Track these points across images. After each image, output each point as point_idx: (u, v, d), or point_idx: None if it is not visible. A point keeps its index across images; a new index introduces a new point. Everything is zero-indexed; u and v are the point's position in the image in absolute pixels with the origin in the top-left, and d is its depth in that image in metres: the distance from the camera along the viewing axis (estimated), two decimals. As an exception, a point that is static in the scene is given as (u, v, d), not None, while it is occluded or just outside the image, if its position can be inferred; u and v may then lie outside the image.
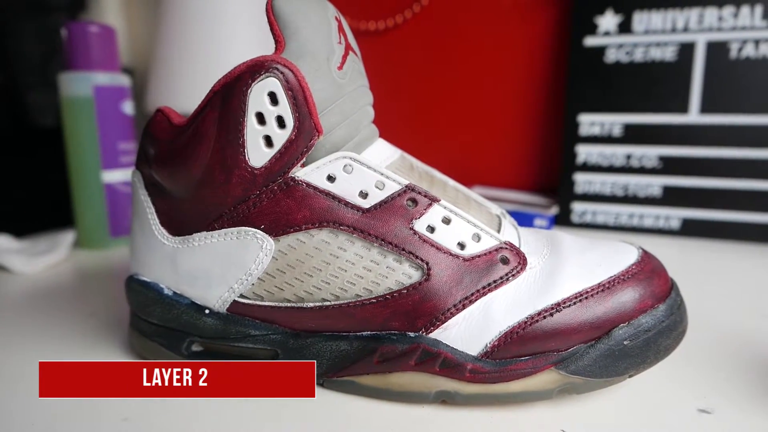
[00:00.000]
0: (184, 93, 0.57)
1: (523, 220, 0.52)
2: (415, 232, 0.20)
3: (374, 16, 0.66)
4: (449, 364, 0.20)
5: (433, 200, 0.21)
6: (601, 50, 0.53)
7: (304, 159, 0.20)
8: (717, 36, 0.48)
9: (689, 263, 0.42)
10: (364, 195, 0.20)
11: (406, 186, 0.20)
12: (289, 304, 0.21)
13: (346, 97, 0.21)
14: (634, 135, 0.52)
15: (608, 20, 0.52)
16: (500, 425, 0.20)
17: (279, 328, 0.22)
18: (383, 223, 0.20)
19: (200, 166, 0.21)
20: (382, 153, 0.22)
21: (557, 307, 0.20)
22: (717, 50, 0.48)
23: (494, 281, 0.20)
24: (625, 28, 0.52)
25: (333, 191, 0.20)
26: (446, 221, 0.21)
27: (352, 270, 0.20)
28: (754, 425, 0.20)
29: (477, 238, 0.21)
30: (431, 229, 0.20)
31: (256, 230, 0.21)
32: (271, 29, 0.20)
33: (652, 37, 0.51)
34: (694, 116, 0.50)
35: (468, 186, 0.66)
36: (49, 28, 0.62)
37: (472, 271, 0.20)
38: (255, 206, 0.20)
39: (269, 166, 0.20)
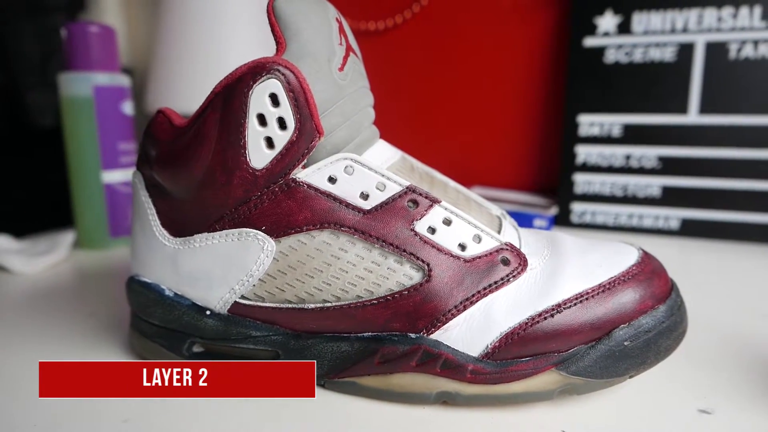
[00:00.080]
0: (184, 93, 0.57)
1: (523, 220, 0.52)
2: (416, 234, 0.20)
3: (374, 17, 0.67)
4: (450, 365, 0.20)
5: (434, 201, 0.21)
6: (600, 51, 0.53)
7: (305, 160, 0.20)
8: (716, 36, 0.48)
9: (688, 263, 0.42)
10: (365, 196, 0.20)
11: (407, 187, 0.20)
12: (290, 305, 0.21)
13: (347, 98, 0.21)
14: (633, 135, 0.52)
15: (607, 21, 0.52)
16: (501, 426, 0.20)
17: (280, 329, 0.22)
18: (384, 224, 0.20)
19: (201, 168, 0.21)
20: (383, 154, 0.22)
21: (558, 308, 0.20)
22: (716, 51, 0.48)
23: (495, 282, 0.20)
24: (624, 28, 0.52)
25: (334, 192, 0.20)
26: (447, 222, 0.21)
27: (353, 271, 0.20)
28: (754, 425, 0.20)
29: (478, 239, 0.21)
30: (432, 231, 0.21)
31: (257, 231, 0.21)
32: (272, 30, 0.20)
33: (651, 37, 0.51)
34: (693, 117, 0.50)
35: (467, 186, 0.66)
36: (49, 29, 0.62)
37: (473, 272, 0.20)
38: (256, 207, 0.20)
39: (270, 168, 0.20)
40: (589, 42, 0.53)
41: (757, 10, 0.47)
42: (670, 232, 0.52)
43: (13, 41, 0.59)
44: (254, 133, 0.20)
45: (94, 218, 0.46)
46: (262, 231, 0.21)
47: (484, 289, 0.20)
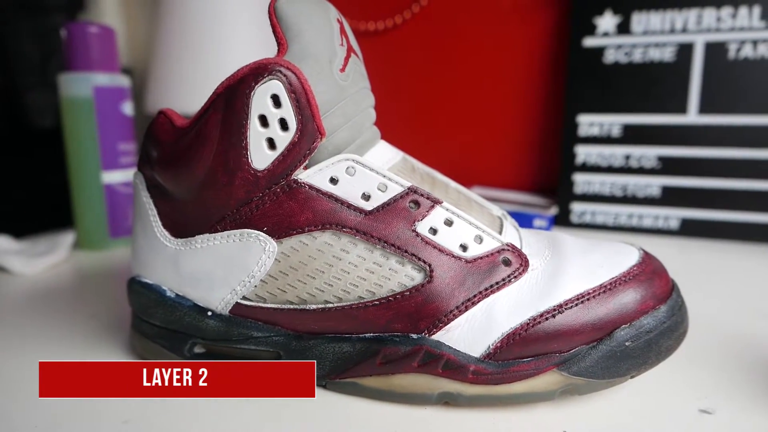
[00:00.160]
0: (184, 93, 0.57)
1: (523, 220, 0.52)
2: (418, 234, 0.20)
3: (373, 17, 0.67)
4: (452, 365, 0.20)
5: (436, 202, 0.21)
6: (600, 51, 0.53)
7: (306, 161, 0.20)
8: (715, 36, 0.48)
9: (688, 263, 0.42)
10: (366, 197, 0.20)
11: (409, 188, 0.20)
12: (291, 306, 0.21)
13: (348, 99, 0.21)
14: (633, 135, 0.52)
15: (607, 21, 0.52)
16: (503, 426, 0.20)
17: (282, 330, 0.22)
18: (386, 225, 0.20)
19: (203, 168, 0.21)
20: (385, 155, 0.22)
21: (559, 308, 0.20)
22: (715, 51, 0.48)
23: (496, 283, 0.20)
24: (623, 28, 0.52)
25: (336, 193, 0.20)
26: (448, 223, 0.21)
27: (355, 272, 0.20)
28: (755, 425, 0.20)
29: (479, 239, 0.21)
30: (434, 231, 0.21)
31: (258, 232, 0.21)
32: (274, 31, 0.20)
33: (650, 37, 0.51)
34: (692, 116, 0.50)
35: (467, 186, 0.66)
36: (48, 29, 0.62)
37: (475, 273, 0.20)
38: (258, 208, 0.20)
39: (272, 169, 0.20)
40: (589, 42, 0.53)
41: (756, 10, 0.47)
42: (669, 231, 0.52)
43: (13, 41, 0.59)
44: (256, 134, 0.20)
45: (94, 219, 0.46)
46: (264, 232, 0.21)
47: (486, 289, 0.20)
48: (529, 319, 0.20)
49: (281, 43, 0.20)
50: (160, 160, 0.22)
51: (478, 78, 0.64)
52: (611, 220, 0.54)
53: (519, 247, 0.22)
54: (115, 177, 0.46)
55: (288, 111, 0.19)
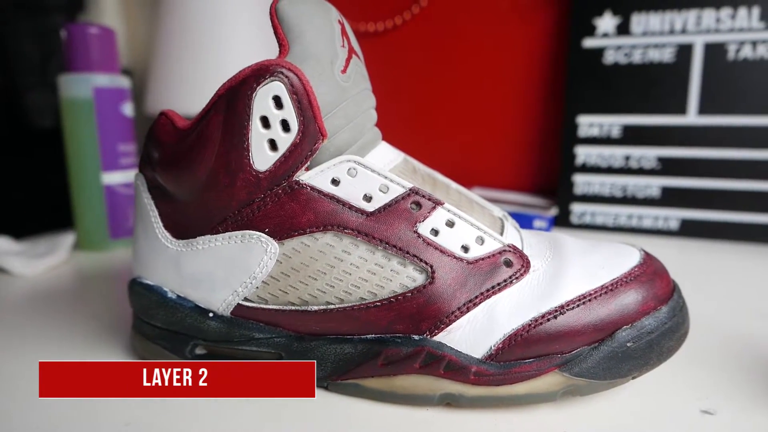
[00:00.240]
0: (184, 94, 0.57)
1: (523, 221, 0.52)
2: (419, 236, 0.20)
3: (373, 18, 0.67)
4: (454, 366, 0.20)
5: (437, 203, 0.21)
6: (599, 52, 0.53)
7: (308, 162, 0.20)
8: (715, 37, 0.49)
9: (688, 264, 0.42)
10: (368, 198, 0.20)
11: (410, 189, 0.20)
12: (293, 308, 0.21)
13: (349, 100, 0.21)
14: (632, 136, 0.52)
15: (607, 22, 0.52)
16: (504, 427, 0.20)
17: (283, 332, 0.22)
18: (387, 226, 0.20)
19: (205, 170, 0.21)
20: (386, 156, 0.22)
21: (561, 309, 0.20)
22: (715, 51, 0.49)
23: (498, 284, 0.20)
24: (623, 29, 0.52)
25: (337, 195, 0.20)
26: (450, 224, 0.21)
27: (357, 273, 0.20)
28: (756, 425, 0.20)
29: (480, 241, 0.21)
30: (435, 232, 0.21)
31: (260, 234, 0.21)
32: (275, 33, 0.20)
33: (650, 38, 0.51)
34: (692, 117, 0.50)
35: (467, 187, 0.66)
36: (48, 29, 0.62)
37: (476, 274, 0.20)
38: (259, 210, 0.20)
39: (274, 170, 0.20)
40: (589, 43, 0.53)
41: (756, 11, 0.47)
42: (669, 232, 0.52)
43: (13, 41, 0.59)
44: (258, 136, 0.20)
45: (94, 220, 0.46)
46: (266, 233, 0.21)
47: (488, 290, 0.20)
48: (531, 320, 0.20)
49: (283, 45, 0.20)
50: (161, 161, 0.22)
51: (478, 79, 0.64)
52: (611, 220, 0.54)
53: (520, 248, 0.22)
54: (115, 178, 0.46)
55: (290, 112, 0.19)
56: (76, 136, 0.44)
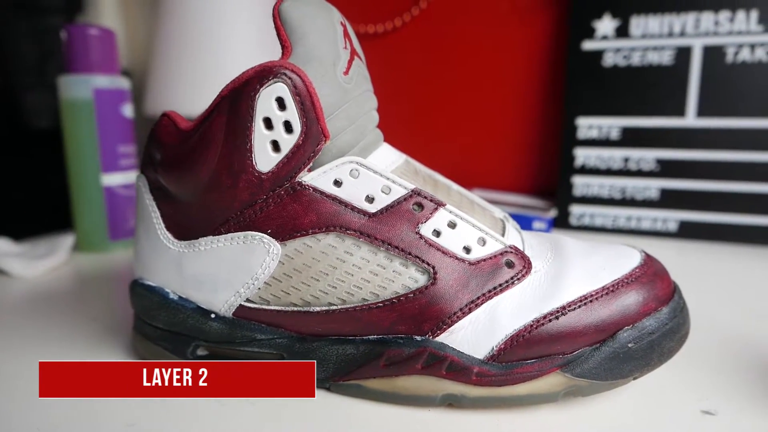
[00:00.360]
0: (184, 95, 0.57)
1: (522, 222, 0.52)
2: (421, 237, 0.20)
3: (373, 19, 0.67)
4: (456, 367, 0.20)
5: (439, 204, 0.21)
6: (599, 54, 0.53)
7: (311, 164, 0.20)
8: (713, 40, 0.49)
9: (687, 265, 0.42)
10: (370, 199, 0.20)
11: (412, 190, 0.21)
12: (295, 309, 0.21)
13: (351, 102, 0.21)
14: (631, 138, 0.52)
15: (606, 25, 0.53)
16: (506, 428, 0.20)
17: (285, 333, 0.22)
18: (389, 227, 0.20)
19: (207, 171, 0.21)
20: (388, 157, 0.23)
21: (562, 310, 0.20)
22: (713, 54, 0.49)
23: (500, 285, 0.20)
24: (622, 32, 0.52)
25: (340, 196, 0.20)
26: (452, 225, 0.21)
27: (359, 274, 0.20)
28: (756, 426, 0.20)
29: (482, 242, 0.21)
30: (437, 234, 0.21)
31: (262, 235, 0.21)
32: (278, 34, 0.20)
33: (649, 41, 0.51)
34: (691, 119, 0.50)
35: (467, 189, 0.66)
36: (47, 30, 0.62)
37: (478, 275, 0.20)
38: (262, 211, 0.20)
39: (276, 171, 0.20)
40: (588, 45, 0.53)
41: (754, 14, 0.47)
42: (668, 234, 0.52)
43: (11, 42, 0.59)
44: (260, 137, 0.20)
45: (94, 221, 0.46)
46: (268, 234, 0.21)
47: (489, 291, 0.20)
48: (533, 321, 0.20)
49: (285, 46, 0.20)
50: (163, 162, 0.22)
51: (478, 80, 0.64)
52: (610, 222, 0.54)
53: (521, 249, 0.22)
54: (114, 179, 0.46)
55: (293, 113, 0.19)
56: (76, 137, 0.44)
